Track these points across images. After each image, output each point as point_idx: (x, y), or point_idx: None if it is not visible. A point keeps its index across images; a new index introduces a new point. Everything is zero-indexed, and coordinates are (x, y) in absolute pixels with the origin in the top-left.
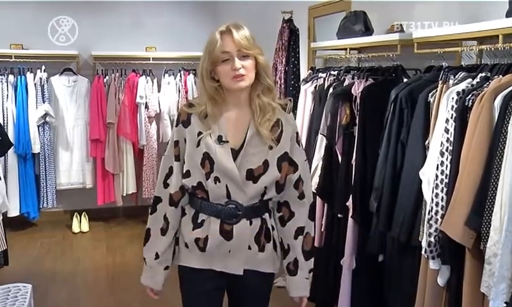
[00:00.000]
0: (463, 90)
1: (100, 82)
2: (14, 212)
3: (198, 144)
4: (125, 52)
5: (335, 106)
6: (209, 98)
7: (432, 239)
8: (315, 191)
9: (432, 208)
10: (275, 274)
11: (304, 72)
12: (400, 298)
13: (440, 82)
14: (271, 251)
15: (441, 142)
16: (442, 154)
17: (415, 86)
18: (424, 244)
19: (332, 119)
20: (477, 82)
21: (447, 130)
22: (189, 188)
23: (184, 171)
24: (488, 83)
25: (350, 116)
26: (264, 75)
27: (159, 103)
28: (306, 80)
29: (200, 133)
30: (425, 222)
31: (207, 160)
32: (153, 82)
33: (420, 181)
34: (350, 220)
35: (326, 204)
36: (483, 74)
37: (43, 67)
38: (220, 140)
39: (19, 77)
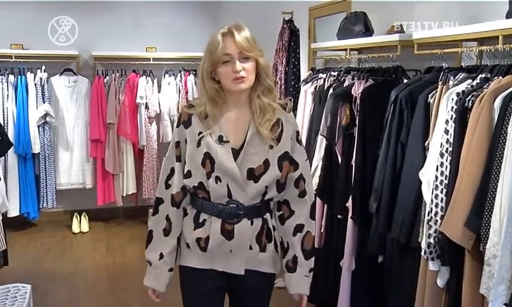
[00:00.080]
0: (463, 91)
1: (101, 83)
2: (14, 212)
3: (199, 144)
4: (125, 52)
5: (334, 107)
6: (209, 98)
7: (431, 240)
8: (314, 192)
9: (431, 209)
10: (276, 274)
11: (304, 73)
12: (400, 299)
13: (440, 83)
14: (272, 251)
15: (441, 143)
16: (442, 155)
17: (415, 87)
18: (423, 245)
19: (332, 120)
20: (477, 83)
21: (446, 131)
22: (191, 188)
23: (185, 172)
24: (487, 84)
25: (350, 116)
26: (265, 76)
27: (159, 104)
28: (306, 81)
29: (200, 133)
30: (425, 223)
31: (208, 160)
32: (153, 83)
33: (420, 182)
34: (350, 221)
35: (325, 205)
36: (483, 75)
37: (44, 67)
38: (221, 140)
39: (19, 77)
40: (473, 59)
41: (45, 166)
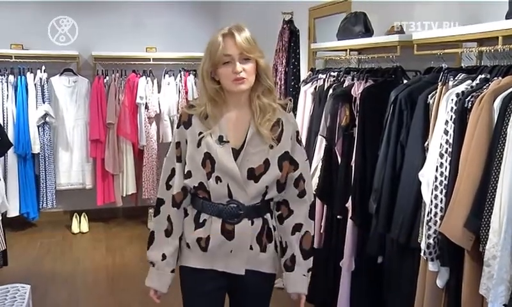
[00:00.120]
0: (463, 92)
1: (100, 83)
2: (14, 212)
3: (199, 145)
4: (125, 52)
5: (334, 107)
6: (209, 99)
7: (431, 241)
8: (314, 192)
9: (431, 209)
10: (276, 274)
11: (304, 73)
12: (400, 299)
13: (440, 83)
14: (272, 251)
15: (441, 144)
16: (441, 156)
17: (415, 88)
18: (423, 245)
19: (332, 121)
20: (477, 84)
21: (446, 132)
22: (191, 188)
23: (186, 172)
24: (487, 85)
25: (350, 117)
26: (265, 77)
27: (159, 104)
28: (306, 81)
29: (200, 133)
30: (425, 223)
31: (208, 160)
32: (153, 83)
33: (420, 182)
34: (349, 221)
35: (325, 206)
36: (483, 76)
37: (43, 67)
38: (221, 140)
39: (19, 77)
40: (473, 59)
41: (45, 166)
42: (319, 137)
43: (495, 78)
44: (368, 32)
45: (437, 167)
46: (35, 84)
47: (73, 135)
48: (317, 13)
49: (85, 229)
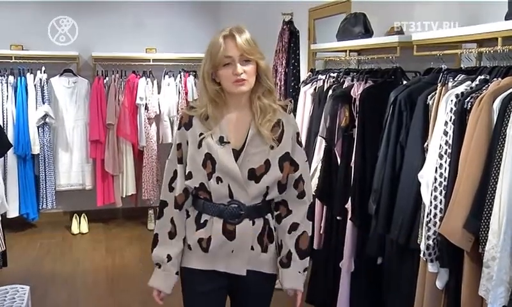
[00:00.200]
0: (462, 93)
1: (100, 83)
2: (13, 213)
3: (200, 145)
4: (125, 53)
5: (334, 108)
6: (210, 100)
7: (430, 242)
8: (314, 193)
9: (430, 210)
10: (277, 275)
11: (304, 74)
12: (399, 300)
13: (439, 84)
14: (273, 251)
15: (440, 145)
16: (441, 156)
17: (414, 88)
18: (422, 246)
19: (331, 121)
20: (476, 85)
21: (445, 133)
22: (192, 189)
23: (186, 173)
24: (486, 85)
25: (349, 118)
26: (265, 78)
27: (159, 105)
28: (305, 82)
29: (201, 134)
30: (424, 225)
31: (209, 160)
32: (153, 84)
33: (419, 183)
34: (349, 222)
35: (325, 207)
36: (482, 76)
37: (43, 68)
38: (221, 141)
39: (19, 78)
40: (473, 60)
41: (45, 167)
42: (319, 138)
43: (495, 79)
44: (368, 33)
45: (436, 168)
46: (35, 85)
47: (73, 135)
48: (317, 14)
49: (85, 230)
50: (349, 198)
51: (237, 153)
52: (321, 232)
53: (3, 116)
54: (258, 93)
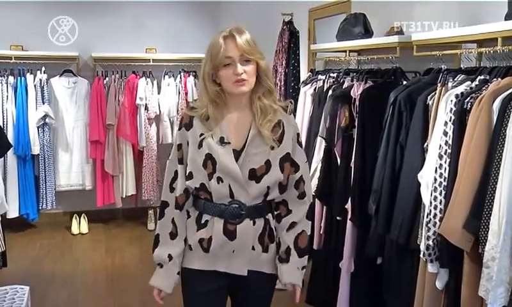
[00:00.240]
0: (462, 93)
1: (100, 84)
2: (13, 213)
3: (200, 146)
4: (125, 53)
5: (334, 108)
6: (210, 100)
7: (430, 242)
8: (314, 194)
9: (430, 211)
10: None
11: (304, 74)
12: (399, 301)
13: (439, 84)
14: (274, 252)
15: (440, 145)
16: (441, 157)
17: (414, 89)
18: (422, 246)
19: (331, 122)
20: (476, 85)
21: (445, 133)
22: (193, 190)
23: (187, 173)
24: (486, 86)
25: (349, 118)
26: (265, 78)
27: (159, 105)
28: (305, 83)
29: (201, 134)
30: (424, 225)
31: (209, 160)
32: (153, 84)
33: (419, 183)
34: (349, 222)
35: (325, 207)
36: (482, 77)
37: (43, 68)
38: (222, 141)
39: (19, 78)
40: (473, 60)
41: (45, 167)
42: (319, 138)
43: (494, 79)
44: (367, 33)
45: (436, 168)
46: (35, 85)
47: (73, 136)
48: (317, 14)
49: (85, 230)
50: (349, 198)
51: (237, 154)
52: (321, 232)
53: (3, 116)
54: (259, 93)
